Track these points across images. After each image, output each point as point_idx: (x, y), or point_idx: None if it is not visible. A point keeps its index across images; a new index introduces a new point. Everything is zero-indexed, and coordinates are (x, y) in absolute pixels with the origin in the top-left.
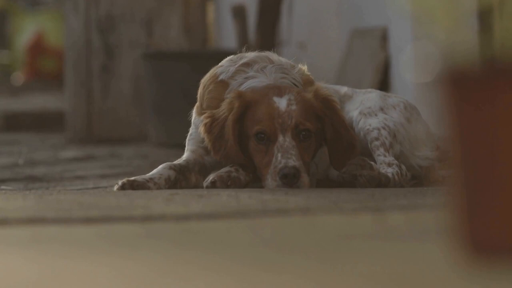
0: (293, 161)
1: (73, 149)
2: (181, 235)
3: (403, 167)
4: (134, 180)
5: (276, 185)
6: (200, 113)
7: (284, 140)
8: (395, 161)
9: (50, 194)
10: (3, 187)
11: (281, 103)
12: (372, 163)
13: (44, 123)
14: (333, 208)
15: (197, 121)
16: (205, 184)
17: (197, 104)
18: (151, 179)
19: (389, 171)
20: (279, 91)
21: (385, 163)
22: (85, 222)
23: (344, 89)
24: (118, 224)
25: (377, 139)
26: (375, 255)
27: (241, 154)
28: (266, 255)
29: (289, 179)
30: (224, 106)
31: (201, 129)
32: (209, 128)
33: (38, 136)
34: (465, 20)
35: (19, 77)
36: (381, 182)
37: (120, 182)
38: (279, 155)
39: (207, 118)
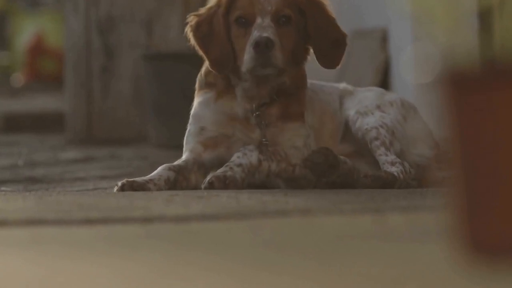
0: (267, 33)
1: (73, 150)
2: (181, 236)
3: (406, 164)
4: (133, 181)
5: (250, 57)
6: (199, 90)
7: (263, 21)
8: (398, 159)
9: (50, 195)
10: (3, 188)
11: None
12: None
13: (44, 124)
14: (332, 209)
15: (195, 105)
16: (203, 186)
17: (197, 86)
18: (151, 180)
19: (393, 170)
20: None
21: (388, 162)
22: (85, 223)
23: (342, 85)
24: (118, 225)
25: (376, 138)
26: (375, 256)
27: (231, 49)
28: (266, 256)
29: (261, 48)
30: (211, 3)
31: (187, 30)
32: (196, 27)
33: (38, 137)
34: (465, 21)
35: (19, 78)
36: (387, 181)
37: (119, 183)
38: (255, 31)
39: (193, 19)
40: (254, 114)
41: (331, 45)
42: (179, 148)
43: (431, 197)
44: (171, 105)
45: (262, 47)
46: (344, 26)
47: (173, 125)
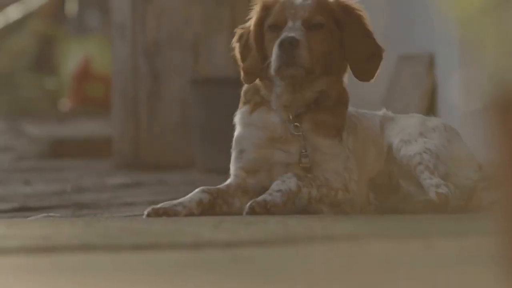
0: (293, 33)
1: (120, 175)
2: (230, 262)
3: (451, 186)
4: (159, 208)
5: (275, 56)
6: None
7: (294, 25)
8: (442, 182)
9: (97, 221)
10: (51, 214)
11: (296, 0)
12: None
13: (91, 149)
14: (380, 235)
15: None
16: (244, 212)
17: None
18: (180, 203)
19: (440, 191)
20: None
21: (433, 186)
22: (133, 249)
23: (382, 111)
24: (167, 251)
25: (420, 163)
26: (423, 281)
27: (260, 60)
28: (315, 282)
29: (285, 46)
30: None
31: (234, 40)
32: (238, 40)
33: (85, 162)
34: None
35: (66, 103)
36: (439, 205)
37: (145, 212)
38: (284, 33)
39: (238, 31)
40: (292, 125)
41: (367, 58)
42: (226, 173)
43: (479, 221)
44: (218, 129)
45: (286, 45)
46: (391, 50)
47: (221, 150)
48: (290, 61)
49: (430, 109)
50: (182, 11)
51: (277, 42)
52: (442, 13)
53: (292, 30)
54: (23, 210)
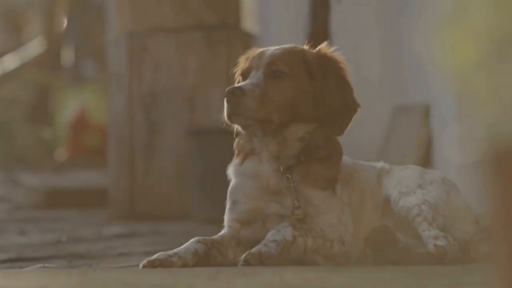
0: (243, 83)
1: (116, 225)
2: None
3: (450, 237)
4: (154, 260)
5: (225, 107)
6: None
7: (256, 73)
8: (441, 233)
9: (93, 271)
10: (46, 264)
11: (269, 49)
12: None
13: (87, 199)
14: (376, 287)
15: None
16: (239, 264)
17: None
18: (175, 253)
19: (438, 243)
20: None
21: (431, 237)
22: None
23: (380, 164)
24: None
25: (418, 215)
26: None
27: None
28: None
29: (230, 96)
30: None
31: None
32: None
33: (81, 212)
34: (510, 100)
35: (62, 153)
36: (439, 257)
37: (141, 264)
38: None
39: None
40: (285, 176)
41: (338, 111)
42: (222, 224)
43: (475, 273)
44: (214, 180)
45: (230, 95)
46: (386, 101)
47: (216, 200)
48: (235, 111)
49: (426, 160)
50: (178, 63)
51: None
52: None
53: (251, 79)
54: (19, 260)
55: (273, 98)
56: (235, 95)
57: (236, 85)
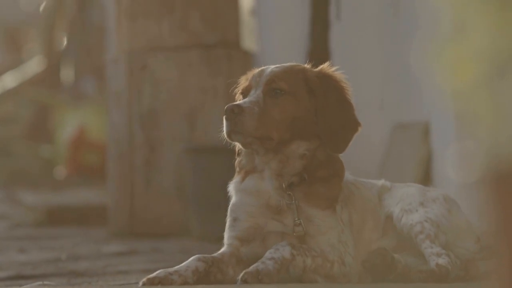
0: (242, 101)
1: (116, 243)
2: None
3: (452, 255)
4: (154, 277)
5: (224, 125)
6: (236, 174)
7: (255, 92)
8: (443, 251)
9: None
10: (46, 282)
11: (269, 68)
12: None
13: (86, 217)
14: None
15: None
16: (237, 283)
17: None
18: (175, 271)
19: (441, 261)
20: None
21: (433, 254)
22: None
23: (381, 182)
24: None
25: (421, 232)
26: None
27: None
28: None
29: (228, 114)
30: None
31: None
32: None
33: (80, 230)
34: (510, 120)
35: (61, 171)
36: (441, 276)
37: (140, 282)
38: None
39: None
40: (287, 194)
41: (339, 129)
42: (222, 241)
43: None
44: (214, 198)
45: (229, 112)
46: (386, 118)
47: (216, 218)
48: (234, 128)
49: (425, 178)
50: (177, 81)
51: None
52: (437, 83)
53: (250, 97)
54: (19, 278)
55: (272, 115)
56: (234, 113)
57: (235, 103)
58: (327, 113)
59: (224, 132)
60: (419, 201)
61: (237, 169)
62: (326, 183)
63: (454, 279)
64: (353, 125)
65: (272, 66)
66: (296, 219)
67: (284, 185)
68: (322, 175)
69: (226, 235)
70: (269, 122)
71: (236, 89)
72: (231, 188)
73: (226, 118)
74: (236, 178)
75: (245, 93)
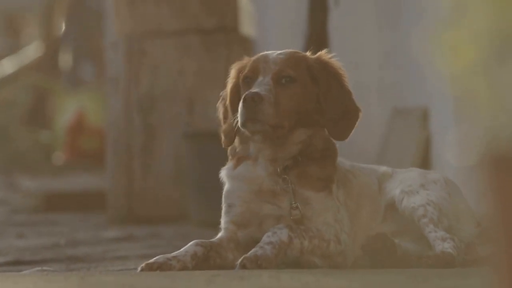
0: (258, 89)
1: (114, 229)
2: None
3: (456, 239)
4: (153, 263)
5: (240, 112)
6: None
7: (263, 79)
8: (447, 235)
9: (91, 275)
10: (45, 268)
11: (272, 54)
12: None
13: (85, 203)
14: None
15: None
16: (236, 269)
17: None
18: (174, 257)
19: (446, 246)
20: None
21: (438, 239)
22: None
23: (383, 168)
24: None
25: (424, 216)
26: None
27: (236, 124)
28: None
29: (247, 103)
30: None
31: (218, 103)
32: (221, 101)
33: (79, 216)
34: (508, 103)
35: (60, 157)
36: (448, 261)
37: (139, 268)
38: (252, 88)
39: (224, 92)
40: (282, 178)
41: (341, 116)
42: (219, 226)
43: (472, 276)
44: (212, 183)
45: (249, 101)
46: (385, 103)
47: (214, 203)
48: (253, 117)
49: (424, 162)
50: (176, 66)
51: (242, 97)
52: (436, 67)
53: (261, 85)
54: (17, 264)
55: (284, 103)
56: (255, 101)
57: (254, 90)
58: (330, 100)
59: (239, 119)
60: (420, 183)
61: (229, 155)
62: (319, 164)
63: (460, 263)
64: (354, 112)
65: (274, 53)
66: (293, 202)
67: (279, 169)
68: (315, 157)
69: (222, 220)
70: (282, 110)
71: (231, 74)
72: (223, 174)
73: (245, 107)
74: (229, 164)
75: (250, 80)
